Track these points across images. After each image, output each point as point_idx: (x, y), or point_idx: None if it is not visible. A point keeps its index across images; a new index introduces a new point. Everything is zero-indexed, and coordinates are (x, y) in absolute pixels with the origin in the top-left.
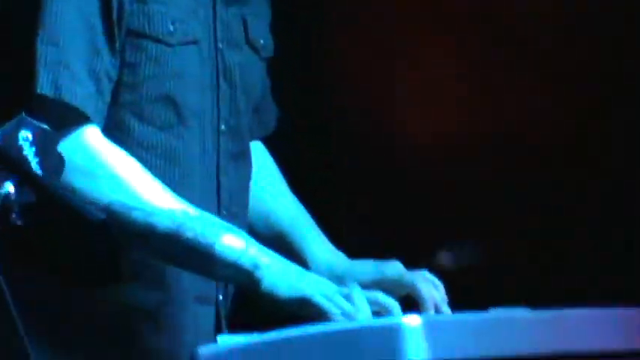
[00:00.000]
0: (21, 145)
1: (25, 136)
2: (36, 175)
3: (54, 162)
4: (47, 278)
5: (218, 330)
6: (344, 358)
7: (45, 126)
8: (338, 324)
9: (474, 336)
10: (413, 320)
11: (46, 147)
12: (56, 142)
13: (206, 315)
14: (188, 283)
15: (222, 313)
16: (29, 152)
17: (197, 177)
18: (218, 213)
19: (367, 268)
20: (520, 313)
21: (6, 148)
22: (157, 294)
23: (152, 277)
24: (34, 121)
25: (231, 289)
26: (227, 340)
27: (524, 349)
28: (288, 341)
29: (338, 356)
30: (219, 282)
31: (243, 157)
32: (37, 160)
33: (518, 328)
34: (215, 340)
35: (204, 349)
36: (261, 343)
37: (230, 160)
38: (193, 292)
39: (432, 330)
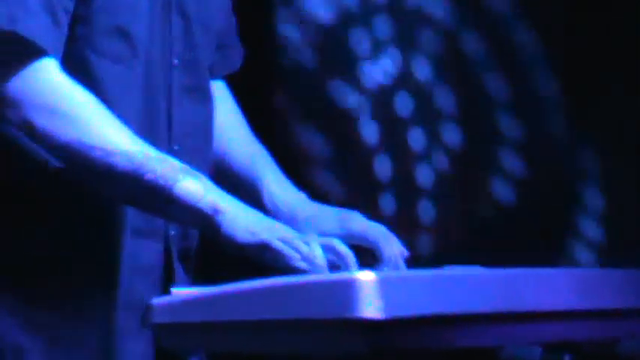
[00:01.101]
0: None
1: None
2: None
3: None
4: None
5: (170, 269)
6: (297, 312)
7: None
8: (292, 278)
9: (429, 293)
10: (367, 276)
11: None
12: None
13: (149, 251)
14: (126, 215)
15: (174, 250)
16: None
17: (148, 110)
18: (169, 146)
19: (330, 220)
20: (474, 271)
21: None
22: (86, 225)
23: (82, 208)
24: None
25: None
26: (181, 292)
27: (478, 306)
28: (241, 294)
29: (291, 310)
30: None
31: (201, 92)
32: None
33: (472, 286)
34: (162, 281)
35: (157, 301)
36: (215, 295)
37: (185, 94)
38: (132, 225)
39: (386, 286)
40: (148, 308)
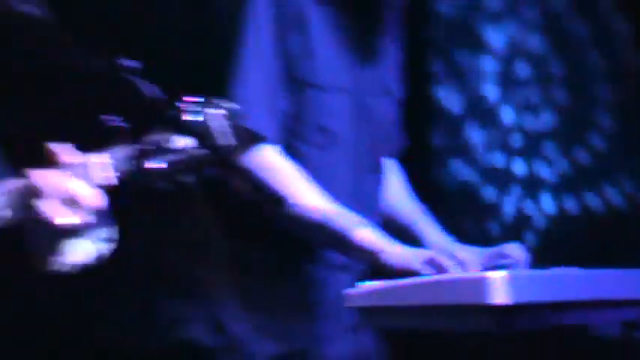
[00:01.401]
0: (213, 121)
1: (219, 114)
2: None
3: (243, 137)
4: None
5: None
6: (446, 299)
7: (235, 107)
8: (446, 275)
9: (542, 286)
10: (499, 274)
11: (237, 124)
12: (244, 122)
13: (346, 280)
14: (336, 256)
15: (360, 278)
16: (222, 126)
17: (343, 183)
18: (352, 203)
19: (472, 254)
20: (572, 271)
21: (203, 124)
22: (310, 262)
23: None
24: (227, 103)
25: None
26: (364, 286)
27: (575, 295)
28: (410, 286)
29: (443, 297)
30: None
31: (377, 167)
32: (229, 132)
33: (571, 281)
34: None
35: (350, 291)
36: (391, 286)
37: (366, 170)
38: (340, 262)
39: (511, 281)
40: (344, 296)
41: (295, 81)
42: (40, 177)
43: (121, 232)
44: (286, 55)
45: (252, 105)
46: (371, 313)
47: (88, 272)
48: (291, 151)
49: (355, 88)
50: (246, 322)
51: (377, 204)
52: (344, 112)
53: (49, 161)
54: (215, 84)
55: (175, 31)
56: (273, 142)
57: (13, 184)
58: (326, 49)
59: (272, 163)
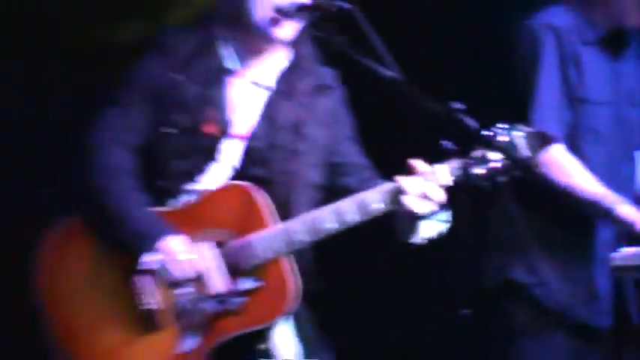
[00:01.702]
0: (516, 140)
1: (520, 135)
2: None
3: (538, 147)
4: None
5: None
6: None
7: (531, 130)
8: None
9: None
10: None
11: (533, 141)
12: (539, 134)
13: (609, 239)
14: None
15: (620, 242)
16: (523, 144)
17: (607, 171)
18: (618, 189)
19: None
20: None
21: (509, 143)
22: (585, 226)
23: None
24: (525, 127)
25: None
26: (624, 250)
27: None
28: None
29: None
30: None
31: (631, 161)
32: (528, 148)
33: None
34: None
35: (615, 254)
36: None
37: (624, 162)
38: (606, 226)
39: None
40: (610, 258)
41: (573, 99)
42: (405, 181)
43: (455, 217)
44: (567, 81)
45: (544, 118)
46: (630, 269)
47: (434, 244)
48: (572, 148)
49: (614, 100)
50: (549, 267)
51: (632, 186)
52: (606, 118)
53: (410, 171)
54: (516, 113)
55: (486, 78)
56: (559, 142)
57: (387, 186)
58: (593, 76)
59: (558, 159)
